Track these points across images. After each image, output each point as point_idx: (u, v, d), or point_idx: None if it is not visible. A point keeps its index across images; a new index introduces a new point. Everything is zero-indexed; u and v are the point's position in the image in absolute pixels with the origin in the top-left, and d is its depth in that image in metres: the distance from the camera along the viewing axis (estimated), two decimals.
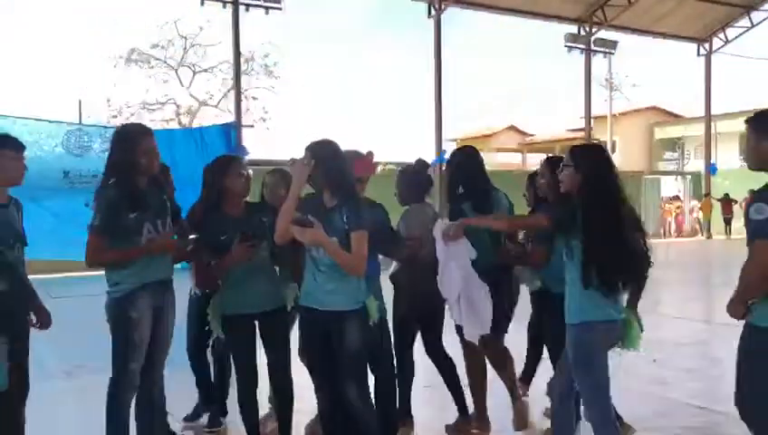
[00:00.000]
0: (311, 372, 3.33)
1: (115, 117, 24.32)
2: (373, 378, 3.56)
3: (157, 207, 3.27)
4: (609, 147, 32.02)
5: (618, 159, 32.37)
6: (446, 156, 14.33)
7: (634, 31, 21.50)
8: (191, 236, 3.60)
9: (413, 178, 4.03)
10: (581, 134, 21.76)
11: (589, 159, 3.07)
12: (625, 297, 3.13)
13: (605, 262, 2.94)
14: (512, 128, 36.37)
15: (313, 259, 3.14)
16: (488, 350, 3.91)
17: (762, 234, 2.61)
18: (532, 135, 36.48)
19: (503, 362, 4.00)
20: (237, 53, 12.64)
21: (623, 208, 3.04)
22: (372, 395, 3.35)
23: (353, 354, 3.13)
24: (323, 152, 3.14)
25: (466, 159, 4.08)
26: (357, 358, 3.15)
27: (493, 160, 31.67)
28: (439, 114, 14.03)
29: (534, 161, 32.64)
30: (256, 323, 3.48)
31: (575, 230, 2.98)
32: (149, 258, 3.21)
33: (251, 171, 3.63)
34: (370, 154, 3.65)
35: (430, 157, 13.83)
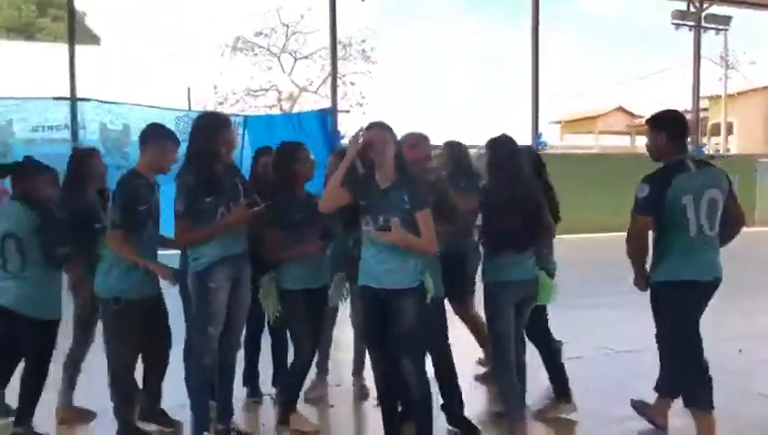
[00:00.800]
0: (368, 348, 3.51)
1: (221, 103, 25.25)
2: (429, 355, 3.68)
3: (230, 191, 3.56)
4: (724, 128, 29.97)
5: (734, 142, 30.24)
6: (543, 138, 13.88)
7: (750, 5, 19.78)
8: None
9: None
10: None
11: (493, 149, 3.68)
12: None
13: (496, 232, 3.59)
14: (620, 109, 34.65)
15: (371, 240, 3.25)
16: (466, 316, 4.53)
17: (638, 209, 3.51)
18: (641, 116, 34.63)
19: (480, 326, 4.32)
20: (334, 40, 12.68)
21: (520, 188, 3.56)
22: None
23: (410, 331, 3.24)
24: (380, 134, 3.27)
25: None
26: (414, 335, 3.25)
27: (598, 143, 30.40)
28: (536, 95, 13.53)
29: (644, 144, 31.07)
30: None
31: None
32: (226, 236, 3.50)
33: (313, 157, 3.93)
34: (422, 139, 3.81)
35: (527, 140, 13.35)
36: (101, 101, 12.02)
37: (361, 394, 4.58)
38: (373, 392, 4.17)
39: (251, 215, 3.58)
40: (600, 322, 6.76)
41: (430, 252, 3.30)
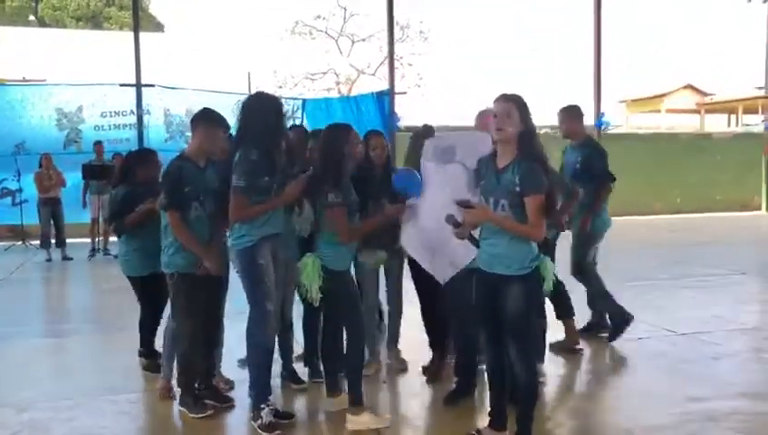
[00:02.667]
0: (482, 330, 3.43)
1: (280, 87, 25.48)
2: None
3: (284, 171, 3.68)
4: None
5: None
6: (606, 118, 13.43)
7: None
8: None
9: (418, 144, 4.19)
10: None
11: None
12: None
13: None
14: (688, 87, 33.27)
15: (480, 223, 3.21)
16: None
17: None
18: (711, 94, 33.17)
19: None
20: (391, 21, 12.57)
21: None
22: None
23: (517, 319, 3.17)
24: (502, 106, 3.13)
25: None
26: (520, 322, 3.17)
27: (666, 123, 29.34)
28: (598, 73, 13.09)
29: (714, 123, 29.72)
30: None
31: None
32: (271, 214, 3.60)
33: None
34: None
35: (589, 120, 12.96)
36: (165, 87, 12.35)
37: (401, 368, 4.65)
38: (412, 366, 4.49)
39: (298, 190, 3.67)
40: (662, 303, 6.60)
41: (535, 239, 3.13)
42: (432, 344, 4.61)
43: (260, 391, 3.66)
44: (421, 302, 4.56)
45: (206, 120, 3.86)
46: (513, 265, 3.13)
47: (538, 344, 4.20)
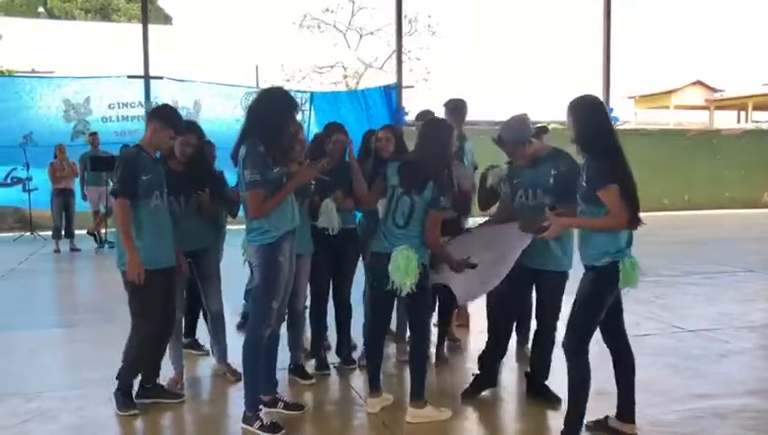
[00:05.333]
0: None
1: (288, 80, 25.44)
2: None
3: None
4: None
5: None
6: (615, 113, 13.35)
7: None
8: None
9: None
10: None
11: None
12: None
13: None
14: (698, 83, 33.05)
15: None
16: None
17: None
18: (721, 90, 32.94)
19: None
20: (399, 15, 12.53)
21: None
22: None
23: (575, 303, 3.30)
24: (578, 107, 3.30)
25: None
26: (578, 307, 3.28)
27: (674, 119, 29.18)
28: (607, 69, 13.03)
29: (724, 119, 29.51)
30: None
31: None
32: (289, 210, 3.56)
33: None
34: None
35: None
36: (173, 79, 12.37)
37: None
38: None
39: (312, 173, 3.67)
40: (669, 300, 6.58)
41: (618, 228, 3.23)
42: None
43: (253, 386, 3.60)
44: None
45: (158, 117, 3.83)
46: (589, 257, 3.28)
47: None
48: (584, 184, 3.22)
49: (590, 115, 3.28)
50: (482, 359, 4.19)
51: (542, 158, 3.80)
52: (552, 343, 3.94)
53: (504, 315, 4.13)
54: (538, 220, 3.48)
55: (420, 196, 3.61)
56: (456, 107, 5.10)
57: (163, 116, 3.86)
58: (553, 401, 3.89)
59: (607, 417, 3.50)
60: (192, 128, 4.21)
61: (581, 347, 3.29)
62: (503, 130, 3.84)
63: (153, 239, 3.72)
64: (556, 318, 3.93)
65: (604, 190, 3.14)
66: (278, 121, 3.51)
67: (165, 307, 3.84)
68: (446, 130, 3.77)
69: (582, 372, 3.30)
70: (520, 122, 3.83)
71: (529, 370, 4.11)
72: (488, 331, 4.27)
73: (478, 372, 4.18)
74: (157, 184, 3.75)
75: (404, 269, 3.55)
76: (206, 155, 4.41)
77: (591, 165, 3.20)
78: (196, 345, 4.97)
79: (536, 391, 4.01)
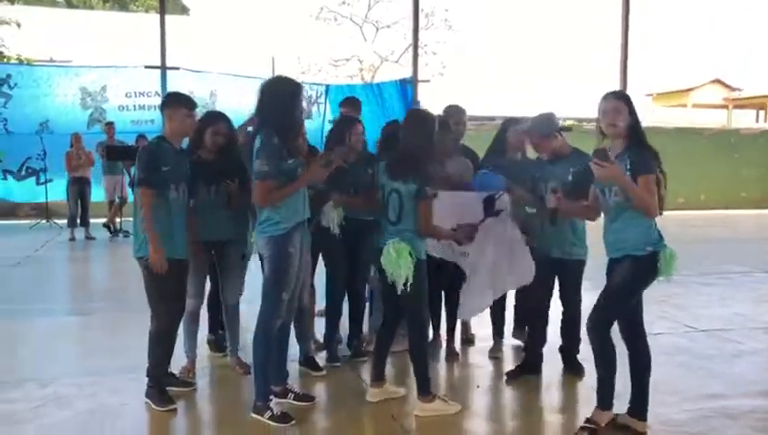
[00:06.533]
0: None
1: (303, 73, 25.46)
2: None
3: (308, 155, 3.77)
4: None
5: None
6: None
7: None
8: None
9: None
10: None
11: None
12: None
13: None
14: (716, 81, 32.70)
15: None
16: None
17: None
18: (739, 89, 32.56)
19: None
20: (416, 8, 12.48)
21: None
22: None
23: (613, 289, 3.38)
24: (612, 103, 3.36)
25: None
26: (615, 293, 3.36)
27: (690, 118, 28.91)
28: (624, 66, 12.92)
29: (743, 119, 29.18)
30: None
31: None
32: (300, 202, 3.57)
33: None
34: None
35: None
36: (190, 70, 12.41)
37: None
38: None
39: (324, 173, 3.66)
40: (683, 299, 6.54)
41: (648, 211, 3.25)
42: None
43: (264, 378, 3.63)
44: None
45: (168, 104, 3.88)
46: (630, 246, 3.32)
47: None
48: (627, 171, 3.24)
49: (635, 109, 3.41)
50: (526, 348, 4.52)
51: (565, 155, 4.08)
52: (579, 320, 4.22)
53: (534, 306, 4.39)
54: (546, 207, 3.75)
55: (406, 188, 3.66)
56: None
57: (171, 101, 3.90)
58: (581, 371, 4.30)
59: (617, 415, 3.50)
60: (221, 117, 4.26)
61: (607, 330, 3.39)
62: (533, 122, 4.16)
63: (168, 230, 3.73)
64: (580, 299, 4.28)
65: (646, 176, 3.22)
66: (291, 112, 3.53)
67: (180, 297, 3.87)
68: (428, 122, 3.81)
69: (610, 351, 3.41)
70: (549, 116, 4.13)
71: (562, 344, 4.44)
72: (526, 323, 4.69)
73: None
74: (175, 177, 3.75)
75: (395, 261, 3.61)
76: (236, 145, 4.32)
77: (636, 154, 3.28)
78: (219, 345, 4.78)
79: (570, 363, 4.40)
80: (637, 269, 3.31)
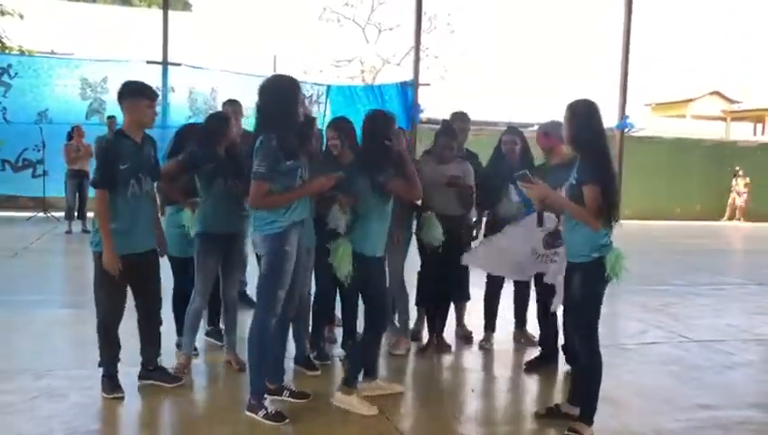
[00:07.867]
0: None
1: (305, 73, 25.46)
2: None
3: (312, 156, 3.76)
4: None
5: None
6: (630, 120, 13.31)
7: None
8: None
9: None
10: None
11: None
12: None
13: None
14: (715, 93, 32.81)
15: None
16: None
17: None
18: (738, 102, 32.68)
19: None
20: (419, 12, 12.52)
21: None
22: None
23: (574, 305, 3.46)
24: (577, 109, 3.46)
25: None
26: (576, 308, 3.44)
27: (689, 129, 29.02)
28: (625, 77, 12.97)
29: (741, 131, 29.26)
30: None
31: None
32: (296, 202, 3.54)
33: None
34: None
35: (614, 121, 12.84)
36: (191, 66, 12.41)
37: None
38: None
39: (329, 184, 3.64)
40: (677, 309, 6.57)
41: (593, 228, 3.34)
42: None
43: (258, 375, 3.64)
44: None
45: (128, 93, 3.75)
46: (576, 253, 3.40)
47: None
48: (574, 182, 3.39)
49: (586, 118, 3.44)
50: (542, 343, 4.77)
51: (571, 162, 3.98)
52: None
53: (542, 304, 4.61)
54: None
55: (364, 182, 3.73)
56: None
57: (128, 92, 3.76)
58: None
59: (557, 404, 3.73)
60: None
61: (593, 347, 3.42)
62: (548, 126, 4.34)
63: (125, 226, 3.70)
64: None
65: (589, 186, 3.31)
66: (290, 111, 3.53)
67: (146, 290, 3.88)
68: (379, 122, 3.84)
69: (599, 368, 3.44)
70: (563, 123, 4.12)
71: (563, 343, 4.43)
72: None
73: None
74: (135, 172, 3.70)
75: (339, 260, 3.72)
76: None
77: (581, 164, 3.39)
78: (217, 335, 4.88)
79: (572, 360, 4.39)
80: (585, 279, 3.38)
